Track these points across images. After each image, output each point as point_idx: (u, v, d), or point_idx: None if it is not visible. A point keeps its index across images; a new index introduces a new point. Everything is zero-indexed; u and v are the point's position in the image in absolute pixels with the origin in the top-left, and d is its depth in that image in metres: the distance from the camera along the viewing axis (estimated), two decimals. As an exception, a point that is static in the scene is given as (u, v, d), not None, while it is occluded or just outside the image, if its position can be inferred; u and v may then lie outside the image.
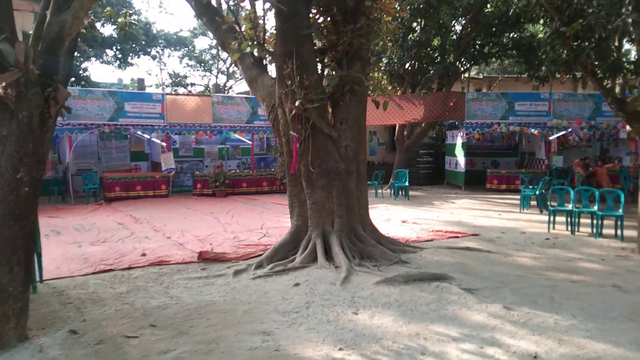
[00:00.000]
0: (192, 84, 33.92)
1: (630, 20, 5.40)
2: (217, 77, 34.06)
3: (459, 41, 16.59)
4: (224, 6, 8.88)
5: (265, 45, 8.02)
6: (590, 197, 9.22)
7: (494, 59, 17.78)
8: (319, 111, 7.15)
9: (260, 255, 7.06)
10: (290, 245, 7.19)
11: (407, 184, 14.80)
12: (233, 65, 30.86)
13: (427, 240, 8.54)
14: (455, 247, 7.83)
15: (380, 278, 5.86)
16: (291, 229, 7.42)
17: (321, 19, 7.78)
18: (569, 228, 9.13)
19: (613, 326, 4.44)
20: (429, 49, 17.40)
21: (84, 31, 5.94)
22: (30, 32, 4.41)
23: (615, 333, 4.25)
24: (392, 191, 15.03)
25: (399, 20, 14.52)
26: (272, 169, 17.30)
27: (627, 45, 7.68)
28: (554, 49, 6.60)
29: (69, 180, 15.07)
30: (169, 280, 6.11)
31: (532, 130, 16.34)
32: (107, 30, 28.39)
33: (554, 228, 9.46)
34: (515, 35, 16.85)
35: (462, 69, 17.70)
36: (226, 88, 33.40)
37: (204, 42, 53.68)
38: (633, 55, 6.81)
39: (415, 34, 15.83)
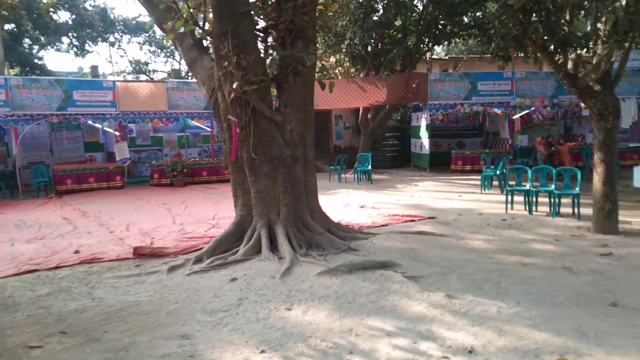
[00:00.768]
0: (154, 71, 32.92)
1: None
2: (180, 62, 33.08)
3: (421, 21, 16.24)
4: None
5: (206, 25, 7.52)
6: (548, 175, 9.05)
7: (457, 39, 17.51)
8: (260, 94, 6.72)
9: (203, 248, 6.65)
10: (234, 237, 6.79)
11: (369, 167, 14.51)
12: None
13: (382, 225, 8.26)
14: (409, 231, 7.56)
15: (323, 269, 5.53)
16: (235, 220, 7.02)
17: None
18: (527, 208, 8.96)
19: (558, 312, 4.20)
20: (391, 30, 17.02)
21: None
22: None
23: (559, 320, 4.01)
24: (356, 176, 14.72)
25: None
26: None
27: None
28: (502, 24, 6.30)
29: (17, 173, 14.32)
30: (97, 280, 5.66)
31: (496, 109, 16.22)
32: (63, 16, 27.17)
33: (512, 208, 9.29)
34: (478, 14, 16.61)
35: (424, 49, 17.36)
36: (190, 74, 32.49)
37: (169, 28, 52.18)
38: (588, 29, 6.53)
39: (376, 14, 15.40)
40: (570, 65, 7.13)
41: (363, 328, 4.00)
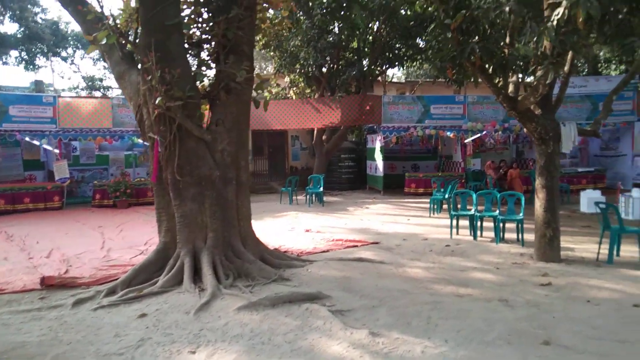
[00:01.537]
0: (109, 87, 31.87)
1: (507, 9, 4.95)
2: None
3: (374, 43, 16.20)
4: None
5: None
6: (493, 200, 8.90)
7: (410, 62, 17.55)
8: (188, 111, 6.29)
9: (119, 278, 6.07)
10: (155, 266, 6.24)
11: (321, 189, 14.15)
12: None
13: (323, 251, 7.86)
14: (348, 258, 7.19)
15: (244, 303, 5.06)
16: (158, 247, 6.49)
17: (193, 8, 6.91)
18: (472, 233, 8.75)
19: (486, 353, 3.86)
20: (346, 52, 16.93)
21: None
22: None
23: (486, 361, 3.67)
24: (307, 198, 14.33)
25: (298, 17, 13.94)
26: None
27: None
28: (440, 44, 6.11)
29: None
30: (-12, 316, 5.00)
31: (448, 133, 16.20)
32: (10, 28, 26.09)
33: (457, 233, 9.07)
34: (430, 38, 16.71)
35: (377, 72, 17.32)
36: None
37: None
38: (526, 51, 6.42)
39: (329, 35, 15.25)
40: (511, 88, 7.00)
41: (271, 374, 3.56)
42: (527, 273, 6.31)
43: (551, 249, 6.86)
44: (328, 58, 15.96)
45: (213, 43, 6.78)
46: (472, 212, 8.76)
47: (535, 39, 4.84)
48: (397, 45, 16.84)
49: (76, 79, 42.81)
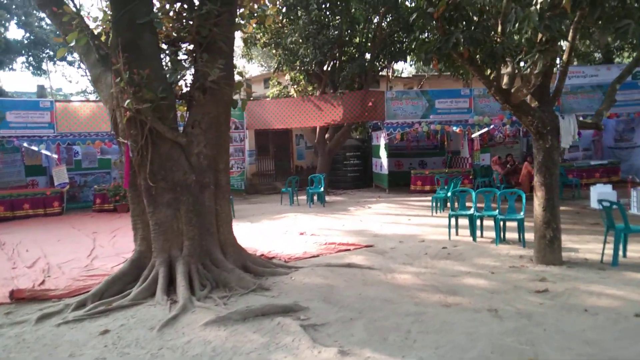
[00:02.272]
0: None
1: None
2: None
3: (375, 38, 15.77)
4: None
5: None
6: (493, 198, 8.45)
7: (413, 56, 17.04)
8: (161, 113, 6.01)
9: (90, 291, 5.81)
10: (129, 276, 5.98)
11: (322, 189, 13.80)
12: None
13: (313, 256, 7.52)
14: (337, 264, 6.84)
15: (213, 317, 4.75)
16: (133, 256, 6.22)
17: (167, 6, 6.61)
18: (472, 234, 8.32)
19: (462, 374, 3.49)
20: (346, 47, 16.52)
21: None
22: None
23: (460, 385, 3.30)
24: (308, 198, 13.98)
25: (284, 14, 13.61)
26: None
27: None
28: (424, 34, 5.72)
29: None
30: (-54, 334, 4.78)
31: (454, 128, 15.71)
32: (16, 34, 26.21)
33: (457, 234, 8.66)
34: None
35: (380, 67, 16.87)
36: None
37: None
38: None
39: (328, 31, 14.86)
40: (505, 80, 6.56)
41: (220, 402, 3.24)
42: (524, 278, 5.88)
43: (551, 250, 6.42)
44: (328, 54, 15.56)
45: (187, 41, 6.47)
46: (471, 211, 8.33)
47: (517, 25, 4.41)
48: (400, 39, 16.37)
49: (84, 82, 43.02)
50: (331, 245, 8.21)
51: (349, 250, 7.90)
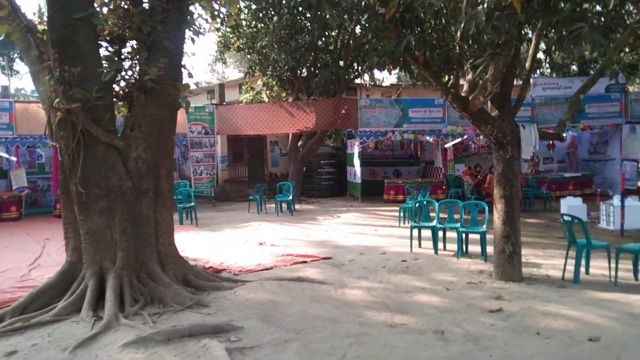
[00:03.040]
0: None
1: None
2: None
3: (348, 44, 15.51)
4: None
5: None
6: (456, 210, 8.16)
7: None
8: (97, 113, 5.59)
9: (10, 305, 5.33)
10: (57, 289, 5.51)
11: (290, 197, 13.42)
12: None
13: (266, 269, 7.12)
14: (288, 277, 6.46)
15: (133, 337, 4.32)
16: (63, 267, 5.75)
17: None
18: (434, 246, 8.00)
19: (390, 408, 3.13)
20: (320, 53, 16.22)
21: None
22: None
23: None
24: (276, 206, 13.58)
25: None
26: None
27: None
28: (377, 37, 5.41)
29: None
30: None
31: (428, 137, 15.49)
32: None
33: (420, 246, 8.34)
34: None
35: (353, 74, 16.60)
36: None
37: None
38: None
39: (300, 36, 14.55)
40: (466, 87, 6.28)
41: None
42: (480, 295, 5.56)
43: (511, 266, 6.12)
44: (301, 60, 15.24)
45: (128, 38, 6.07)
46: (434, 223, 8.02)
47: (462, 25, 4.12)
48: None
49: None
50: (288, 257, 7.83)
51: (305, 262, 7.53)
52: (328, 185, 18.53)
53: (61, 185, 5.85)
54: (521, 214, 11.90)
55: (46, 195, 16.11)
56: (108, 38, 6.32)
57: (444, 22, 5.61)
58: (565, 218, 6.21)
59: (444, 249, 8.08)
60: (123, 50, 6.44)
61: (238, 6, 8.65)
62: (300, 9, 13.98)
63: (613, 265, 5.99)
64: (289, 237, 9.86)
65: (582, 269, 6.39)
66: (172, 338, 4.34)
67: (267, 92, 17.28)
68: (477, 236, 7.68)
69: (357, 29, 15.22)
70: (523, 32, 7.99)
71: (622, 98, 15.37)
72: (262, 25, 14.95)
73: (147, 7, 5.86)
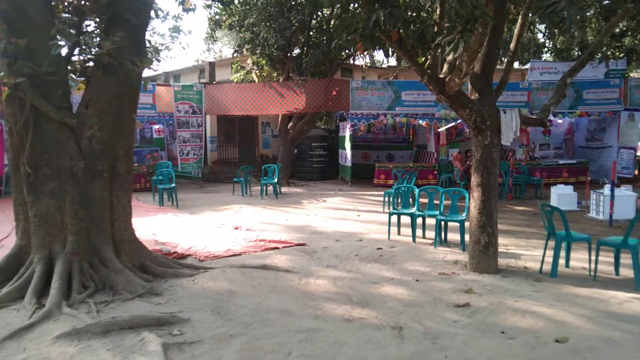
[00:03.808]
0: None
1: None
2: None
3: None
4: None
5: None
6: (436, 197, 7.84)
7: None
8: (48, 89, 5.25)
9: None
10: (4, 274, 5.24)
11: (275, 180, 13.09)
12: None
13: (235, 255, 6.85)
14: (253, 265, 6.17)
15: (68, 329, 4.05)
16: (11, 251, 5.47)
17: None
18: (412, 234, 7.70)
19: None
20: (317, 32, 15.71)
21: None
22: None
23: None
24: (261, 189, 13.27)
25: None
26: (144, 164, 15.12)
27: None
28: (347, 14, 5.03)
29: None
30: None
31: (420, 121, 15.08)
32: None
33: (399, 233, 8.05)
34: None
35: (345, 54, 16.12)
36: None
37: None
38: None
39: (290, 13, 14.06)
40: (445, 68, 5.90)
41: None
42: (449, 288, 5.27)
43: (486, 257, 5.81)
44: (292, 39, 14.77)
45: (84, 10, 5.69)
46: (413, 210, 7.71)
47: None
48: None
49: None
50: (260, 243, 7.54)
51: (277, 248, 7.24)
52: (320, 168, 18.19)
53: (12, 165, 5.54)
54: (510, 201, 11.71)
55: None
56: (66, 10, 5.96)
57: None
58: (545, 209, 5.88)
59: (423, 236, 7.78)
60: (86, 24, 6.08)
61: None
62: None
63: (594, 258, 5.67)
64: (267, 221, 9.57)
65: (563, 262, 6.10)
66: (111, 330, 4.06)
67: (257, 71, 16.80)
68: (458, 224, 7.37)
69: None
70: (514, 12, 7.59)
71: (622, 84, 14.90)
72: (252, 1, 14.44)
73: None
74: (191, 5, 7.70)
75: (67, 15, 5.99)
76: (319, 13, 15.14)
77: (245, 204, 11.82)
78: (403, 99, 15.15)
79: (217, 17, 16.23)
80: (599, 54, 9.08)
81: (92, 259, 5.32)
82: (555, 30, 18.16)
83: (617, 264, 5.75)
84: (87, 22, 6.12)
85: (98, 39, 5.60)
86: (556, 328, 4.16)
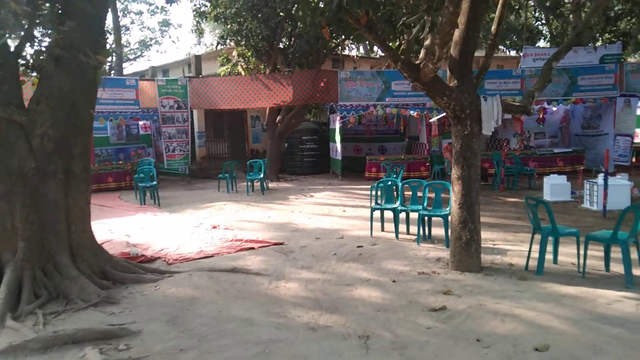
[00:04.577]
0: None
1: None
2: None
3: (326, 13, 14.55)
4: None
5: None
6: (420, 190, 7.48)
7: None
8: (-7, 84, 4.89)
9: None
10: (-50, 284, 4.90)
11: (262, 176, 12.73)
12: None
13: (207, 257, 6.52)
14: (222, 268, 5.84)
15: (3, 346, 3.71)
16: (-41, 259, 5.12)
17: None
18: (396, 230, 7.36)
19: None
20: (298, 22, 15.27)
21: None
22: None
23: None
24: (247, 186, 12.90)
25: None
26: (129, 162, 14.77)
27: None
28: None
29: None
30: None
31: (411, 112, 14.70)
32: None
33: (382, 229, 7.71)
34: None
35: (332, 44, 15.69)
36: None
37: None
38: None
39: (275, 3, 13.63)
40: (422, 54, 5.53)
41: None
42: (427, 290, 4.93)
43: (468, 255, 5.47)
44: (278, 29, 14.34)
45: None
46: (396, 205, 7.36)
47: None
48: (358, 15, 15.17)
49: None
50: (236, 243, 7.20)
51: (253, 248, 6.90)
52: (311, 162, 17.80)
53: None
54: (503, 193, 11.33)
55: None
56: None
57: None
58: (530, 202, 5.52)
59: (408, 232, 7.43)
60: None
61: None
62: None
63: (583, 253, 5.32)
64: (249, 219, 9.23)
65: (551, 257, 5.76)
66: (52, 346, 3.73)
67: (243, 64, 16.38)
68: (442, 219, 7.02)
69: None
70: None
71: (617, 69, 14.48)
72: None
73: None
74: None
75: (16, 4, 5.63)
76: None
77: (229, 200, 11.47)
78: (393, 89, 14.75)
79: (202, 9, 15.82)
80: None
81: (46, 265, 4.98)
82: (551, 17, 17.75)
83: (607, 260, 5.40)
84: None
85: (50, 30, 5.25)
86: (538, 334, 3.82)
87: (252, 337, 3.90)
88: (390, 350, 3.60)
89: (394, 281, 5.22)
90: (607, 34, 15.80)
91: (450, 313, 4.29)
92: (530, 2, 14.95)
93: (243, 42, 14.61)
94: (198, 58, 18.54)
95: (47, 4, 5.48)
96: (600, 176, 8.81)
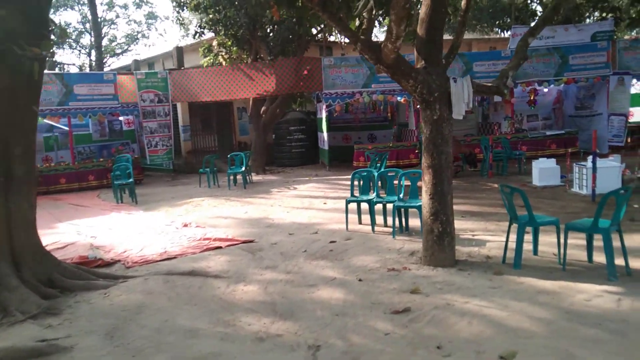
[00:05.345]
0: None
1: None
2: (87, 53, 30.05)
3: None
4: None
5: None
6: (396, 180, 7.10)
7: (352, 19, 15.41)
8: None
9: None
10: None
11: (243, 169, 12.35)
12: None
13: (170, 258, 6.17)
14: (179, 271, 5.49)
15: None
16: None
17: None
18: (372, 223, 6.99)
19: None
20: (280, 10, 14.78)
21: None
22: None
23: None
24: (228, 180, 12.52)
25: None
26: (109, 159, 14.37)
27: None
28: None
29: None
30: None
31: (398, 98, 14.27)
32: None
33: (360, 222, 7.34)
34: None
35: (315, 31, 15.21)
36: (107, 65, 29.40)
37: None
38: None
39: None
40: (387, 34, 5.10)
41: None
42: (394, 288, 4.56)
43: (440, 249, 5.10)
44: (258, 17, 13.86)
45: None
46: (372, 197, 6.99)
47: None
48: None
49: None
50: (204, 242, 6.84)
51: (220, 247, 6.55)
52: (299, 153, 17.40)
53: None
54: (492, 178, 10.95)
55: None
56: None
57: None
58: (505, 190, 5.14)
59: (385, 224, 7.07)
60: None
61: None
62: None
63: (563, 243, 4.95)
64: (225, 215, 8.87)
65: (531, 247, 5.39)
66: (-31, 368, 3.39)
67: (224, 54, 15.91)
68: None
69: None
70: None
71: (610, 47, 14.00)
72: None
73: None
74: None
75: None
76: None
77: (208, 196, 11.10)
78: (379, 74, 14.27)
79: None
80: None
81: (-17, 275, 4.62)
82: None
83: (590, 250, 5.03)
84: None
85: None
86: (506, 338, 3.46)
87: (192, 351, 3.54)
88: (340, 362, 3.24)
89: (360, 280, 4.86)
90: (597, 11, 15.27)
91: (413, 315, 3.92)
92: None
93: (222, 32, 14.13)
94: (180, 50, 18.09)
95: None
96: (589, 158, 8.42)
